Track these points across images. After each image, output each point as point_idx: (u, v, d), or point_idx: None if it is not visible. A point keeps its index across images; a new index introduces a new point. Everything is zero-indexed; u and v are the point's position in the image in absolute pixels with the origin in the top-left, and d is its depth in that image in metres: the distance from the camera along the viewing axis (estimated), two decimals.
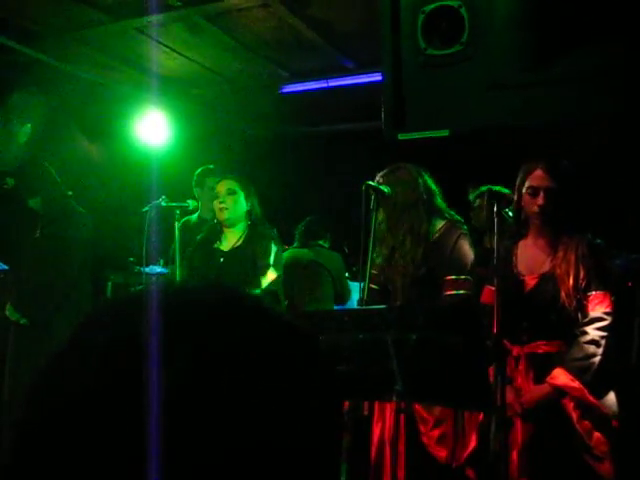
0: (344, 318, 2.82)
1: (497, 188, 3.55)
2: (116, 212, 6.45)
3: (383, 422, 3.60)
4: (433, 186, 3.95)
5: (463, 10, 1.52)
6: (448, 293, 3.72)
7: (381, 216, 3.86)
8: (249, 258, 4.37)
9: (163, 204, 4.11)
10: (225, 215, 4.43)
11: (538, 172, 3.20)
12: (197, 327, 0.64)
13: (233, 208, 4.44)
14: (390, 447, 3.43)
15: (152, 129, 5.95)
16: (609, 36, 1.40)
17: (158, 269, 4.98)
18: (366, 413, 3.63)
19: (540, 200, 3.17)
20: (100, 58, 6.19)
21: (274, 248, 4.41)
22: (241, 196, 4.46)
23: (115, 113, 6.26)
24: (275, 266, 4.37)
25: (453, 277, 3.74)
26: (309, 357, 0.69)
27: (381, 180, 3.89)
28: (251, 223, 4.51)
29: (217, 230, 4.55)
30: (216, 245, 4.50)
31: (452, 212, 3.96)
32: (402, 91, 1.61)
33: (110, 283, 6.01)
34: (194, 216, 5.12)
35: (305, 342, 0.69)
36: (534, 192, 3.20)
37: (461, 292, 3.70)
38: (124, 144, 6.15)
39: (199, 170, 5.33)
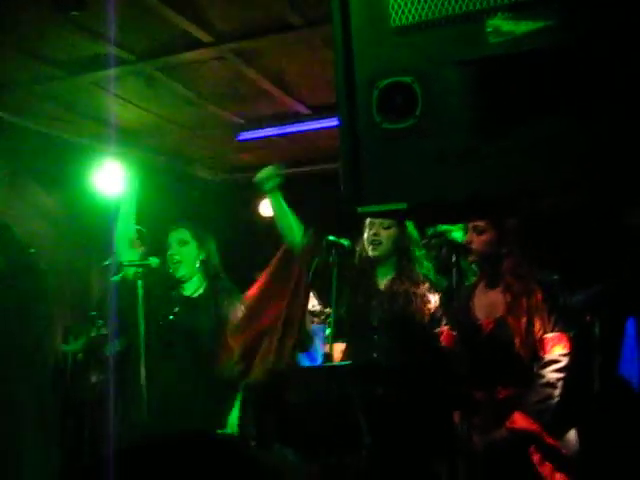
0: (311, 375, 2.85)
1: (444, 228, 3.55)
2: (77, 266, 6.39)
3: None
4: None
5: (416, 85, 1.57)
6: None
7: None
8: (211, 309, 4.04)
9: (124, 264, 3.99)
10: (178, 272, 4.07)
11: None
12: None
13: (186, 261, 4.08)
14: None
15: (110, 180, 5.91)
16: (563, 106, 1.44)
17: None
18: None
19: (485, 237, 3.24)
20: (57, 112, 6.18)
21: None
22: (193, 246, 4.11)
23: (73, 166, 6.22)
24: None
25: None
26: None
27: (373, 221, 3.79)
28: (209, 275, 4.16)
29: (175, 282, 4.14)
30: (175, 293, 4.13)
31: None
32: (360, 166, 1.65)
33: (72, 336, 5.94)
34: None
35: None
36: (480, 231, 3.26)
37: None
38: (83, 196, 6.10)
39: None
